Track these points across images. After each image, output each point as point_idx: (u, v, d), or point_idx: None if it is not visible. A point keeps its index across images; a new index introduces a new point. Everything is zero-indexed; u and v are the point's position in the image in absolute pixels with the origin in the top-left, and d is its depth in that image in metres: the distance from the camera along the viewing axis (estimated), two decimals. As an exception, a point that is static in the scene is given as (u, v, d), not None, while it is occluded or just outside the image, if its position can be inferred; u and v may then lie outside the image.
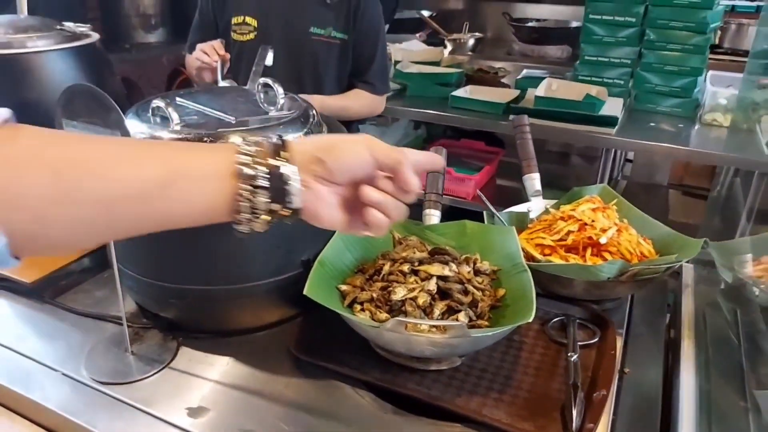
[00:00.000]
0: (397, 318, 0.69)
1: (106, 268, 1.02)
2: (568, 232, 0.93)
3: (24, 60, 0.98)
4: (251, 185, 0.46)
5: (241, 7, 1.55)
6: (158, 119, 0.83)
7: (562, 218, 0.96)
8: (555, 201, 1.08)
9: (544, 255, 0.93)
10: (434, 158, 0.58)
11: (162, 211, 0.47)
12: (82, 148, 0.45)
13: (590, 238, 0.91)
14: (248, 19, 1.54)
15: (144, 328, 0.87)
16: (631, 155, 2.68)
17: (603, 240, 0.90)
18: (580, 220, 0.93)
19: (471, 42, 4.16)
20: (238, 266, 0.83)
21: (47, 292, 0.95)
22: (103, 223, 0.45)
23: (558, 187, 2.46)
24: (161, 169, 0.46)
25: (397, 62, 2.65)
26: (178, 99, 0.91)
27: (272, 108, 0.92)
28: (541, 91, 2.08)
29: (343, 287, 0.83)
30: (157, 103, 0.83)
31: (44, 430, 0.76)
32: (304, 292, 0.74)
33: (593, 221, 0.93)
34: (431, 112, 2.24)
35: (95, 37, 1.09)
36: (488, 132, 2.56)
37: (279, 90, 0.94)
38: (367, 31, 1.57)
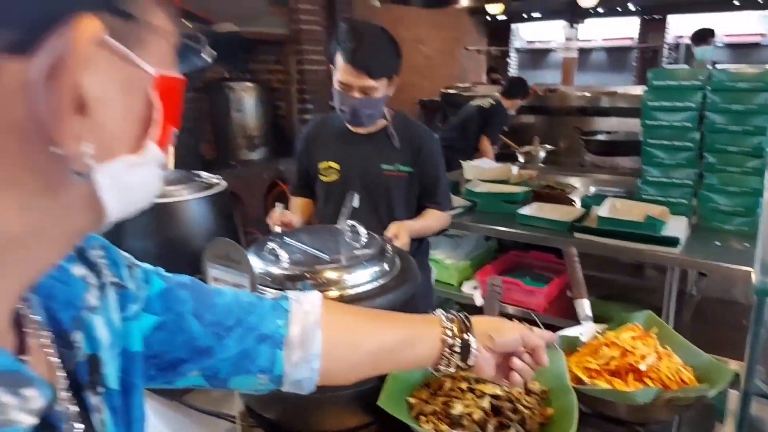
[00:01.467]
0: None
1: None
2: (611, 358, 1.05)
3: (172, 207, 1.30)
4: (450, 349, 0.74)
5: (326, 155, 1.87)
6: (271, 257, 1.08)
7: (606, 344, 1.08)
8: (604, 326, 1.21)
9: (591, 378, 1.05)
10: (553, 337, 0.85)
11: (401, 359, 0.75)
12: (359, 320, 0.75)
13: (631, 364, 1.03)
14: (332, 164, 1.85)
15: (251, 427, 1.06)
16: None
17: (642, 367, 1.01)
18: (622, 347, 1.06)
19: (542, 154, 4.40)
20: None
21: (177, 391, 1.18)
22: (367, 366, 0.73)
23: (630, 299, 2.50)
24: (406, 333, 0.75)
25: (467, 180, 2.90)
26: (286, 239, 1.16)
27: (357, 245, 1.15)
28: (604, 210, 2.22)
29: (411, 400, 0.99)
30: (271, 244, 1.08)
31: None
32: (378, 402, 0.92)
33: (634, 348, 1.05)
34: (499, 228, 2.43)
35: (224, 185, 1.40)
36: (557, 245, 2.69)
37: (362, 231, 1.17)
38: (428, 163, 1.83)
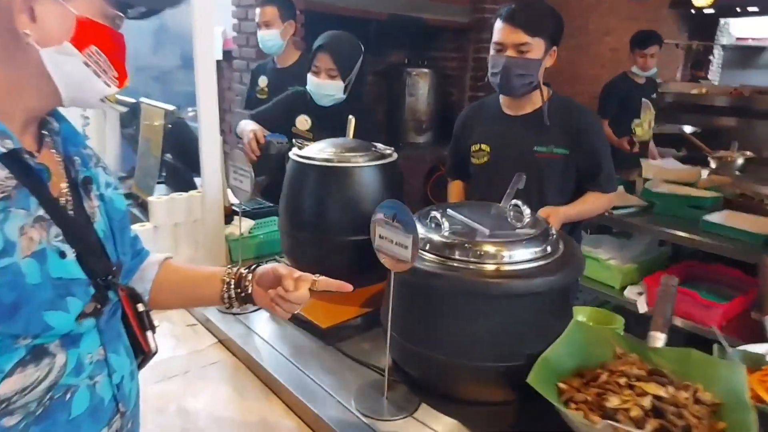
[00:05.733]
0: (609, 422, 0.79)
1: (372, 327, 1.33)
2: (807, 383, 0.90)
3: (347, 171, 1.39)
4: (227, 286, 0.98)
5: (478, 137, 1.85)
6: (433, 225, 1.10)
7: (802, 368, 0.93)
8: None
9: (777, 401, 0.91)
10: (309, 276, 0.95)
11: (202, 292, 1.01)
12: (186, 269, 1.06)
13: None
14: (483, 146, 1.82)
15: (395, 381, 1.11)
16: None
17: None
18: (825, 374, 0.90)
19: (740, 161, 3.87)
20: (473, 346, 1.02)
21: (332, 337, 1.27)
22: (182, 295, 1.04)
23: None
24: (209, 274, 1.02)
25: (646, 179, 2.66)
26: (449, 210, 1.18)
27: (518, 225, 1.13)
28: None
29: (562, 385, 0.95)
30: (434, 213, 1.11)
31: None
32: (528, 380, 0.90)
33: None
34: (679, 233, 2.20)
35: (395, 156, 1.46)
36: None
37: (526, 211, 1.15)
38: (588, 145, 1.71)
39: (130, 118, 2.23)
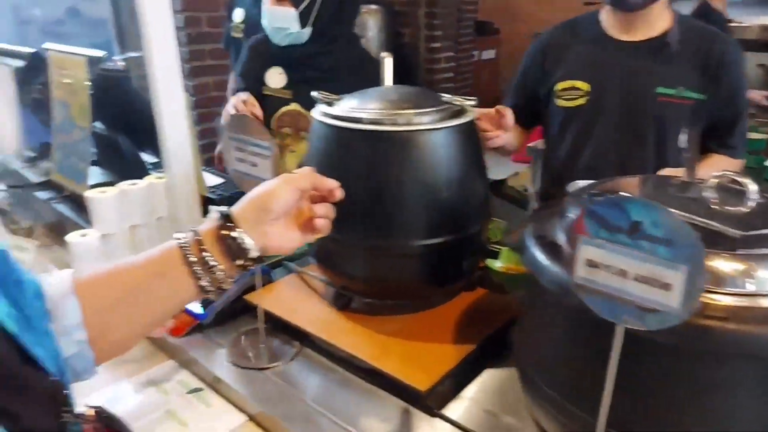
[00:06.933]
0: None
1: (482, 367, 0.90)
2: None
3: (414, 138, 0.90)
4: (202, 261, 0.60)
5: (569, 71, 1.40)
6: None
7: None
8: None
9: None
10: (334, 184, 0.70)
11: (161, 295, 0.61)
12: (112, 274, 0.61)
13: None
14: (578, 84, 1.38)
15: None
16: None
17: None
18: None
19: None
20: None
21: (437, 401, 0.82)
22: (138, 323, 0.61)
23: None
24: (154, 265, 0.61)
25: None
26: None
27: (736, 209, 0.72)
28: None
29: None
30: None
31: None
32: None
33: None
34: None
35: (474, 112, 0.99)
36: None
37: (752, 187, 0.73)
38: (730, 90, 1.32)
39: (32, 74, 1.57)
